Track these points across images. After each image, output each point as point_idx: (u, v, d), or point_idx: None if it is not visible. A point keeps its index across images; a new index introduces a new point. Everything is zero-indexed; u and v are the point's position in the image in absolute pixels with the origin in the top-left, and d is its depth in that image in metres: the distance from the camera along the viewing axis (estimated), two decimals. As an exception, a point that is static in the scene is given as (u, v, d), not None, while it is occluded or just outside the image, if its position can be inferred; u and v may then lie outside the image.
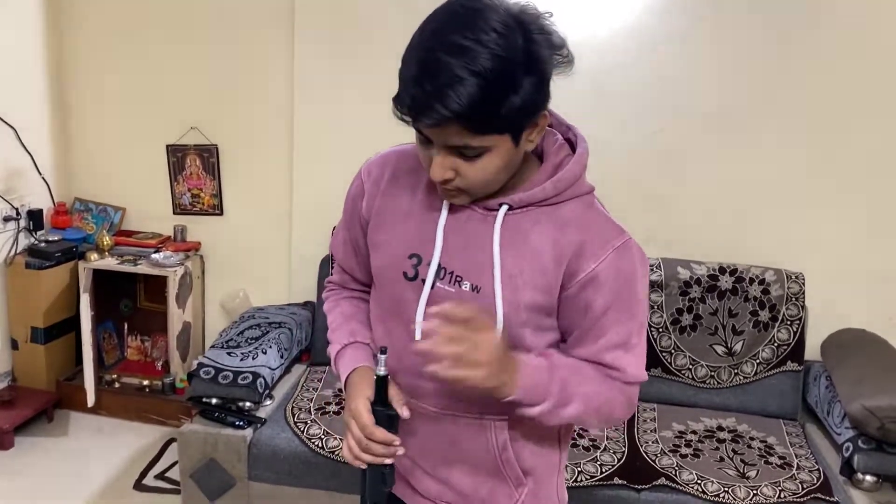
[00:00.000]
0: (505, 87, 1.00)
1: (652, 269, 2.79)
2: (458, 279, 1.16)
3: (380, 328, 1.28)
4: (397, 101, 1.03)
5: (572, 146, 1.20)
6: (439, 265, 1.17)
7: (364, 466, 1.16)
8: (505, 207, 1.14)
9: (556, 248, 1.13)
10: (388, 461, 1.15)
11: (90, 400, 3.18)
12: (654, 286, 2.77)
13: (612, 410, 1.19)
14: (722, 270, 2.77)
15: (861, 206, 2.84)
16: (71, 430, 3.20)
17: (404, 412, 1.15)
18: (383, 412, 1.12)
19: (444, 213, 1.17)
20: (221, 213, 3.38)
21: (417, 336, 1.16)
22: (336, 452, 2.37)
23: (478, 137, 1.03)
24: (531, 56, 1.01)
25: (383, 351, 1.13)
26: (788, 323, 2.73)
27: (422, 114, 1.00)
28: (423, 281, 1.17)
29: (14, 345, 3.24)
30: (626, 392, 1.18)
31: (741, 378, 2.75)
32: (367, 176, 1.27)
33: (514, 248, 1.14)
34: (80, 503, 2.71)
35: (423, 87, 0.98)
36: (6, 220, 3.15)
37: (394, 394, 1.16)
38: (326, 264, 3.01)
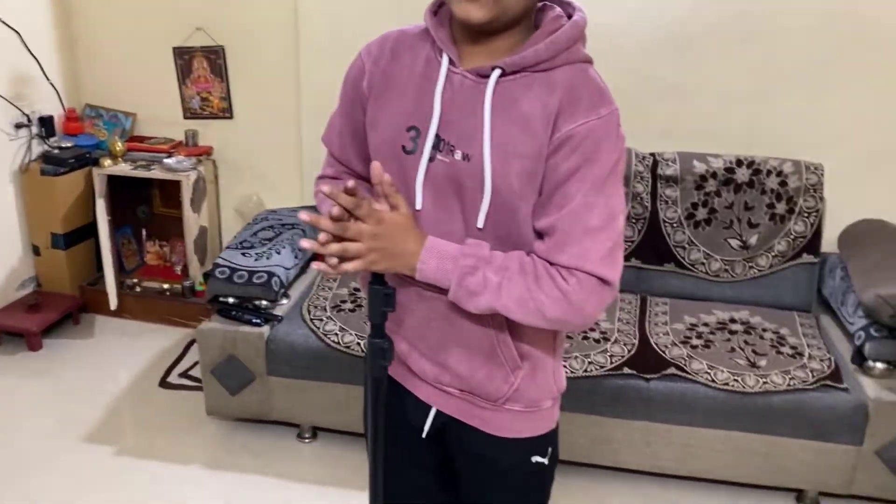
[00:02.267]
0: None
1: (668, 163, 2.74)
2: (452, 148, 1.15)
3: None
4: None
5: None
6: (437, 136, 1.16)
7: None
8: (497, 72, 1.12)
9: (545, 110, 1.11)
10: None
11: (112, 303, 3.26)
12: (669, 181, 2.73)
13: (542, 308, 1.12)
14: (739, 163, 2.72)
15: (883, 97, 2.74)
16: (96, 332, 3.29)
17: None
18: (380, 290, 1.12)
19: (442, 80, 1.15)
20: (231, 117, 3.36)
21: (418, 206, 1.18)
22: (351, 347, 2.42)
23: None
24: None
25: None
26: (806, 215, 2.69)
27: None
28: (422, 153, 1.16)
29: (36, 251, 3.30)
30: (562, 285, 1.10)
31: (756, 271, 2.74)
32: (368, 55, 1.25)
33: (505, 114, 1.12)
34: (110, 400, 2.82)
35: None
36: (18, 126, 3.16)
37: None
38: (338, 165, 2.99)
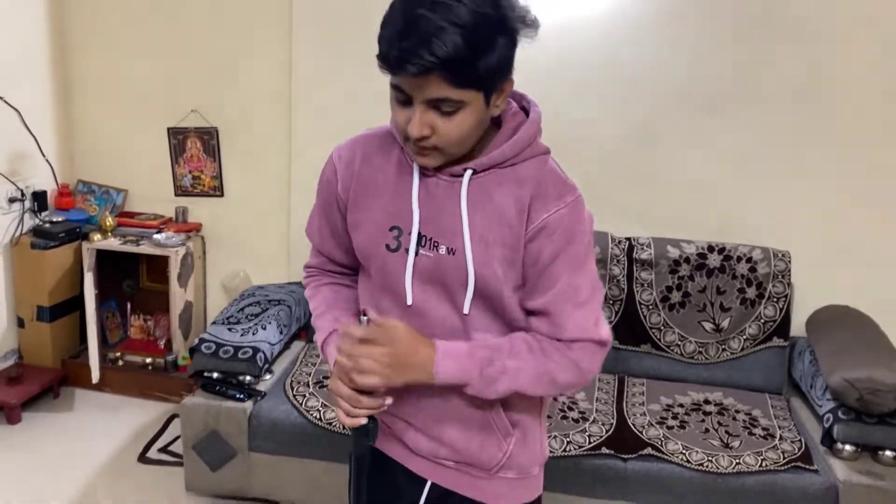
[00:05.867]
0: (482, 41, 1.08)
1: (642, 248, 2.86)
2: (436, 244, 1.24)
3: (370, 302, 1.34)
4: (383, 57, 1.10)
5: (527, 113, 1.28)
6: (419, 233, 1.24)
7: (363, 422, 1.22)
8: (469, 172, 1.22)
9: (518, 202, 1.21)
10: (379, 409, 1.22)
11: (95, 377, 3.26)
12: (645, 265, 2.84)
13: (555, 378, 1.23)
14: (710, 249, 2.84)
15: (845, 185, 2.90)
16: (76, 406, 3.28)
17: (387, 400, 1.23)
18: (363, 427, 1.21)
19: (416, 183, 1.24)
20: (222, 195, 3.45)
21: (409, 302, 1.25)
22: (333, 424, 2.45)
23: (456, 90, 1.10)
24: (502, 17, 1.10)
25: (364, 313, 1.22)
26: (775, 300, 2.80)
27: (409, 62, 1.06)
28: (407, 250, 1.25)
29: (20, 323, 3.32)
30: (570, 355, 1.22)
31: (728, 354, 2.83)
32: (339, 160, 1.33)
33: (481, 208, 1.22)
34: (87, 475, 2.80)
35: (410, 39, 1.06)
36: (11, 201, 3.23)
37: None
38: (324, 244, 3.08)
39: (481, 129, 1.20)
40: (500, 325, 1.27)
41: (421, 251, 1.24)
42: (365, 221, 1.29)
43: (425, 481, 1.38)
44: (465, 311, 1.24)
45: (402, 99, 1.15)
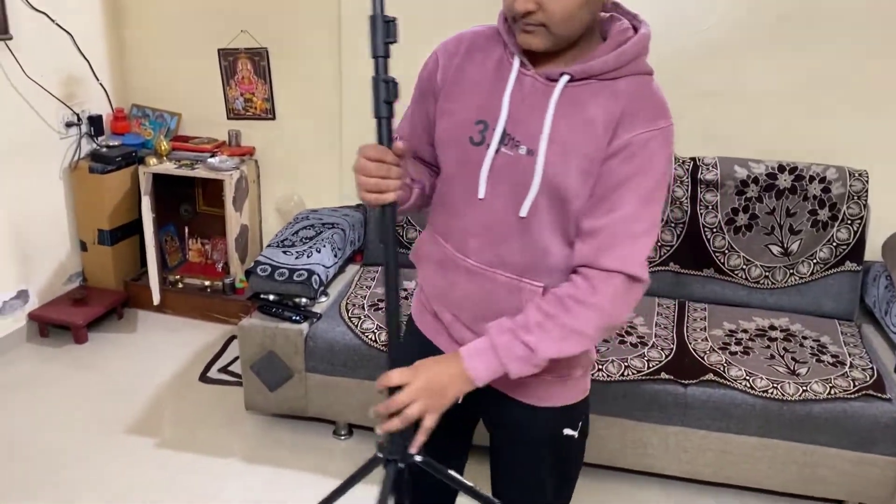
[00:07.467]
0: None
1: (707, 168, 2.72)
2: (517, 143, 1.22)
3: (441, 188, 1.35)
4: None
5: (636, 32, 1.24)
6: (504, 131, 1.22)
7: (391, 199, 1.18)
8: (566, 78, 1.19)
9: (607, 114, 1.17)
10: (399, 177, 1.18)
11: (156, 299, 3.33)
12: (710, 185, 2.71)
13: (583, 331, 1.19)
14: (781, 169, 2.69)
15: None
16: (139, 327, 3.37)
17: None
18: (383, 78, 1.13)
19: (511, 82, 1.22)
20: (274, 118, 3.41)
21: (480, 194, 1.24)
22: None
23: None
24: None
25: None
26: (849, 222, 2.65)
27: None
28: (489, 145, 1.23)
29: (83, 246, 3.39)
30: (594, 300, 1.17)
31: (797, 278, 2.71)
32: (444, 52, 1.33)
33: (570, 116, 1.19)
34: (151, 393, 2.88)
35: None
36: (68, 125, 3.25)
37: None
38: (377, 167, 3.02)
39: (588, 16, 1.16)
40: (559, 237, 1.24)
41: (502, 149, 1.23)
42: (454, 111, 1.28)
43: None
44: (523, 213, 1.22)
45: None
